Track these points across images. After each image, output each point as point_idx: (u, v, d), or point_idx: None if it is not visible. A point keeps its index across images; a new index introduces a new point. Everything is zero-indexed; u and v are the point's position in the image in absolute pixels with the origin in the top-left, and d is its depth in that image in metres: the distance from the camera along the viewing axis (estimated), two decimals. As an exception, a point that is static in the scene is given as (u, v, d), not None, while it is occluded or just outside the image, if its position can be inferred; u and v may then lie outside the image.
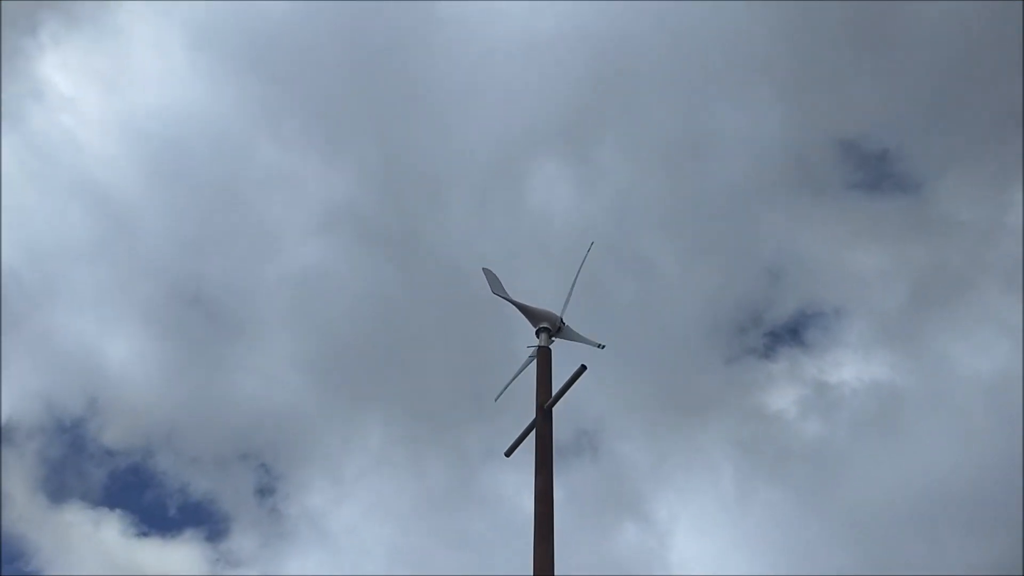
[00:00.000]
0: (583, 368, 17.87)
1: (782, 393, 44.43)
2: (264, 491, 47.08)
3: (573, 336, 19.02)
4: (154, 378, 47.67)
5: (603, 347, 18.86)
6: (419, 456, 44.48)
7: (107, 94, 51.76)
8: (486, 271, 20.04)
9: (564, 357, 18.96)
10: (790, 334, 48.72)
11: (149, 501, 47.77)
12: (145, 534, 46.07)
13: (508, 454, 18.76)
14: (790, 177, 49.57)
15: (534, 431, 18.21)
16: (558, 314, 19.32)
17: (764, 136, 48.48)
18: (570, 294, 19.48)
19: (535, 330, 19.20)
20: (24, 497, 45.66)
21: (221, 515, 46.80)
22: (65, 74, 50.70)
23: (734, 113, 48.77)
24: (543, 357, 18.80)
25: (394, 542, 42.95)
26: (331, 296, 48.04)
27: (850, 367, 44.88)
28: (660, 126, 50.04)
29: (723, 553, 39.20)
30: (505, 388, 18.86)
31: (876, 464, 39.55)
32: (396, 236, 48.23)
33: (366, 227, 48.68)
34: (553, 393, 18.28)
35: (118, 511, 45.95)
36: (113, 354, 47.58)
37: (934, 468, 38.16)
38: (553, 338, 19.00)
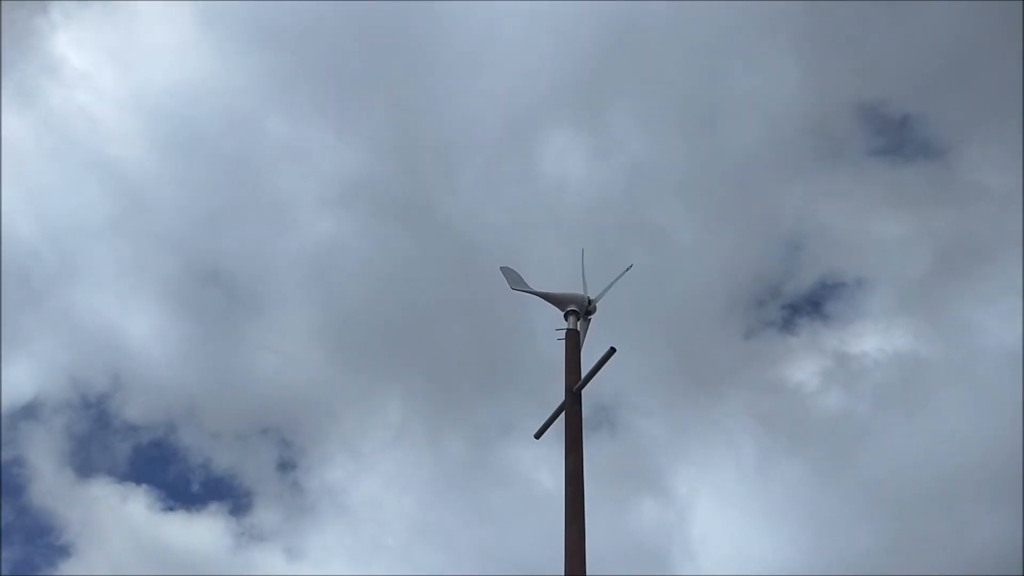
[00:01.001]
0: (612, 350, 17.90)
1: (802, 365, 44.09)
2: (285, 465, 47.47)
3: (604, 294, 19.20)
4: (174, 354, 48.07)
5: (631, 267, 19.30)
6: (438, 430, 44.73)
7: (119, 70, 51.77)
8: (504, 269, 20.02)
9: (594, 340, 19.07)
10: (810, 305, 48.25)
11: (173, 476, 48.26)
12: (171, 509, 46.56)
13: (538, 436, 18.87)
14: (809, 143, 48.90)
15: (563, 413, 18.28)
16: (585, 295, 19.31)
17: (781, 100, 47.89)
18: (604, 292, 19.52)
19: (563, 313, 19.21)
20: (52, 472, 46.22)
21: (243, 490, 47.27)
22: (77, 51, 50.71)
23: (750, 77, 48.19)
24: (571, 340, 18.84)
25: (414, 516, 43.31)
26: (347, 269, 48.20)
27: (872, 338, 44.46)
28: (673, 91, 49.51)
29: (744, 527, 39.16)
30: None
31: (899, 437, 39.22)
32: (410, 207, 48.28)
33: (380, 199, 48.76)
34: (582, 375, 18.35)
35: (144, 486, 46.44)
36: (134, 331, 47.96)
37: (959, 440, 37.69)
38: (589, 317, 19.02)
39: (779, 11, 47.66)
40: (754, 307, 47.10)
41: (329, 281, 48.57)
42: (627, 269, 19.40)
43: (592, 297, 19.33)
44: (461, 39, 49.10)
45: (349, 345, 48.66)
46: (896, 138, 49.96)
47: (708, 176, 48.46)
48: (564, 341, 18.90)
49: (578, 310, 19.04)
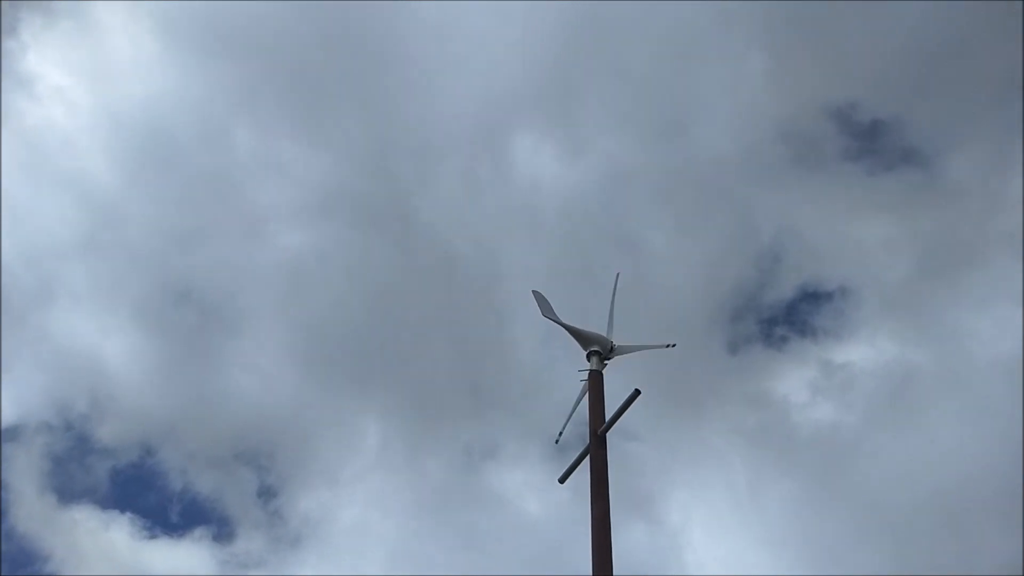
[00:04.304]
0: (637, 392, 17.37)
1: (789, 378, 43.22)
2: (266, 492, 46.42)
3: (630, 350, 18.43)
4: (151, 375, 47.09)
5: (674, 345, 18.33)
6: (418, 452, 43.88)
7: (88, 88, 50.98)
8: (536, 293, 19.46)
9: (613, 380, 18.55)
10: (793, 315, 47.49)
11: (154, 502, 47.15)
12: (154, 536, 45.46)
13: (562, 480, 18.26)
14: (782, 146, 48.07)
15: (588, 457, 17.67)
16: (608, 337, 18.66)
17: (753, 104, 47.35)
18: (611, 318, 18.85)
19: (585, 354, 18.56)
20: (34, 498, 45.00)
21: (225, 517, 46.19)
22: (48, 71, 49.90)
23: (719, 77, 47.62)
24: (595, 381, 18.26)
25: (395, 543, 42.40)
26: (324, 283, 47.38)
27: (858, 347, 43.84)
28: (643, 92, 48.89)
29: (739, 553, 38.12)
30: (565, 425, 18.20)
31: (892, 449, 38.63)
32: (385, 217, 47.59)
33: (355, 208, 48.07)
34: (606, 418, 17.72)
35: (128, 514, 45.32)
36: (110, 351, 46.97)
37: (954, 449, 37.07)
38: (605, 361, 18.35)
39: (747, 10, 47.10)
40: (736, 319, 46.29)
41: (305, 295, 47.69)
42: (668, 345, 18.65)
43: (615, 342, 18.64)
44: (428, 40, 48.43)
45: (327, 363, 47.76)
46: (871, 141, 49.33)
47: (681, 181, 47.83)
48: (586, 382, 18.28)
49: (600, 351, 18.36)
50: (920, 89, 48.82)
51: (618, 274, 19.79)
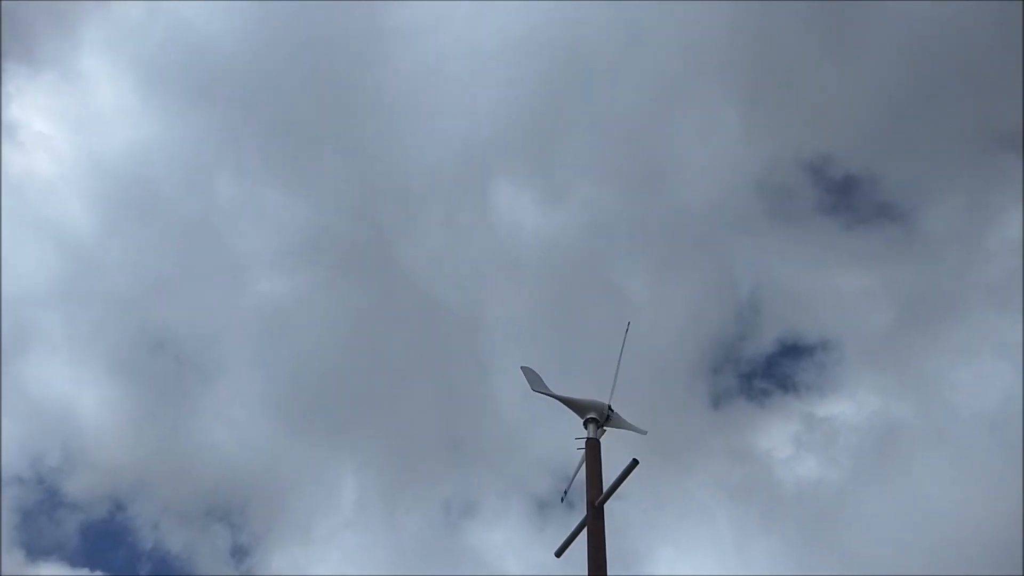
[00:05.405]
0: (635, 462, 16.93)
1: (771, 433, 43.02)
2: (238, 550, 45.48)
3: (621, 424, 18.06)
4: (124, 428, 46.21)
5: (646, 433, 17.94)
6: (395, 509, 43.18)
7: (71, 136, 50.62)
8: (524, 369, 19.01)
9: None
10: (774, 368, 47.35)
11: (123, 559, 46.09)
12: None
13: (559, 554, 17.73)
14: (759, 201, 48.28)
15: (586, 529, 17.26)
16: (605, 402, 18.33)
17: (729, 156, 47.54)
18: (615, 379, 18.53)
19: (582, 421, 18.20)
20: (3, 553, 43.90)
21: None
22: (31, 119, 49.66)
23: (698, 130, 47.83)
24: (592, 450, 17.80)
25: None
26: (303, 331, 46.82)
27: (839, 401, 43.79)
28: (621, 143, 49.05)
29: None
30: (569, 485, 17.73)
31: (876, 501, 38.30)
32: (366, 263, 47.27)
33: (335, 256, 47.73)
34: (604, 488, 17.35)
35: (98, 571, 44.23)
36: (84, 403, 46.23)
37: (939, 502, 36.83)
38: (603, 427, 18.01)
39: (723, 62, 47.43)
40: (717, 372, 46.11)
41: (284, 344, 47.20)
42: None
43: (611, 404, 18.30)
44: (410, 88, 48.55)
45: (303, 414, 47.12)
46: (845, 195, 49.64)
47: (660, 231, 47.84)
48: (583, 451, 17.91)
49: (598, 418, 18.01)
50: (894, 143, 49.25)
51: (628, 324, 19.12)
